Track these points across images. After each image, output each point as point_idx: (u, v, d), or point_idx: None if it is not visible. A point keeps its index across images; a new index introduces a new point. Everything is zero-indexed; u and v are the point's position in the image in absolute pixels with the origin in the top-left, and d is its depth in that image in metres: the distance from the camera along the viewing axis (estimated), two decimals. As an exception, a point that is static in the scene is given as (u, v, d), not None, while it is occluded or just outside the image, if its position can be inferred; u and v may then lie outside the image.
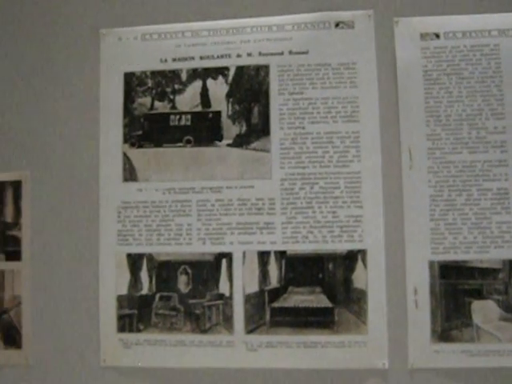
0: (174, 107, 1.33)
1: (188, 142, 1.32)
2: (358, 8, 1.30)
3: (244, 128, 1.30)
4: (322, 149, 1.27)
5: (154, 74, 1.34)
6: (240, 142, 1.30)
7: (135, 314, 1.30)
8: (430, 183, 1.25)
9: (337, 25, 1.30)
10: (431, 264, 1.23)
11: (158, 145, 1.33)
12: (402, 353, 1.23)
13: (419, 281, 1.23)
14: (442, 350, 1.22)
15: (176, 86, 1.33)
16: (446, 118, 1.25)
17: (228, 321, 1.27)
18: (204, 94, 1.32)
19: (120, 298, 1.30)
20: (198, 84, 1.32)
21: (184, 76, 1.33)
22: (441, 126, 1.25)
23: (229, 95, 1.31)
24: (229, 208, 1.29)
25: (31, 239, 1.35)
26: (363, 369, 1.24)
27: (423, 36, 1.28)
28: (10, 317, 1.34)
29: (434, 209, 1.24)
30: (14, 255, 1.35)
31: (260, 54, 1.31)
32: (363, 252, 1.25)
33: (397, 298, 1.24)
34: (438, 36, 1.28)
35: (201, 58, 1.33)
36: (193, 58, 1.33)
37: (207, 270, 1.29)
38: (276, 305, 1.27)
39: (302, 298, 1.26)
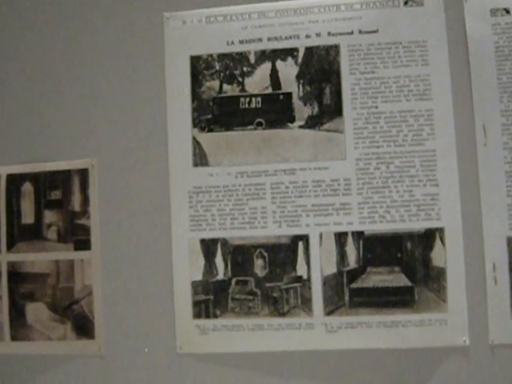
0: (243, 90, 1.31)
1: (259, 124, 1.30)
2: (427, -15, 1.29)
3: (316, 109, 1.29)
4: (395, 128, 1.27)
5: (220, 56, 1.32)
6: (312, 123, 1.29)
7: (211, 300, 1.29)
8: (505, 159, 1.24)
9: (406, 3, 1.29)
10: (509, 240, 1.23)
11: (229, 128, 1.31)
12: (482, 329, 1.23)
13: (498, 257, 1.23)
14: (523, 325, 1.22)
15: (244, 69, 1.31)
16: (520, 94, 1.25)
17: (306, 303, 1.27)
18: (274, 75, 1.30)
19: (195, 284, 1.29)
20: (267, 66, 1.31)
21: (252, 58, 1.31)
22: (514, 102, 1.25)
23: (299, 76, 1.30)
24: (303, 190, 1.28)
25: (100, 228, 1.33)
26: (444, 346, 1.24)
27: (493, 12, 1.27)
28: (82, 307, 1.32)
29: (511, 185, 1.24)
30: (83, 244, 1.33)
31: (329, 34, 1.30)
32: (441, 230, 1.24)
33: (476, 275, 1.24)
34: (508, 11, 1.27)
35: (268, 39, 1.31)
36: (260, 40, 1.31)
37: (284, 253, 1.28)
38: (355, 285, 1.26)
39: (380, 277, 1.26)
